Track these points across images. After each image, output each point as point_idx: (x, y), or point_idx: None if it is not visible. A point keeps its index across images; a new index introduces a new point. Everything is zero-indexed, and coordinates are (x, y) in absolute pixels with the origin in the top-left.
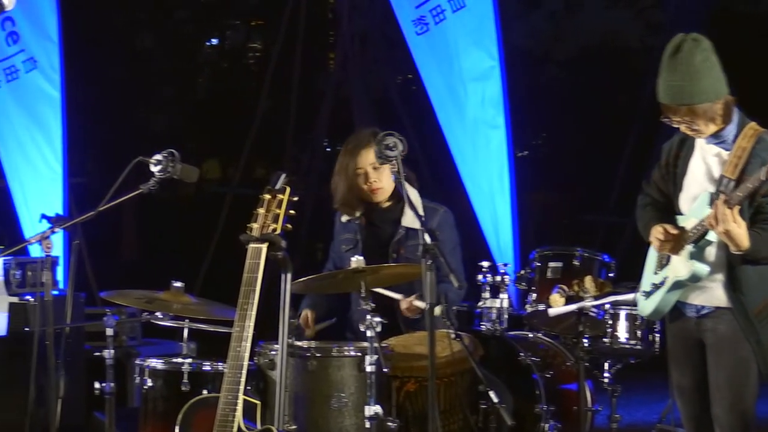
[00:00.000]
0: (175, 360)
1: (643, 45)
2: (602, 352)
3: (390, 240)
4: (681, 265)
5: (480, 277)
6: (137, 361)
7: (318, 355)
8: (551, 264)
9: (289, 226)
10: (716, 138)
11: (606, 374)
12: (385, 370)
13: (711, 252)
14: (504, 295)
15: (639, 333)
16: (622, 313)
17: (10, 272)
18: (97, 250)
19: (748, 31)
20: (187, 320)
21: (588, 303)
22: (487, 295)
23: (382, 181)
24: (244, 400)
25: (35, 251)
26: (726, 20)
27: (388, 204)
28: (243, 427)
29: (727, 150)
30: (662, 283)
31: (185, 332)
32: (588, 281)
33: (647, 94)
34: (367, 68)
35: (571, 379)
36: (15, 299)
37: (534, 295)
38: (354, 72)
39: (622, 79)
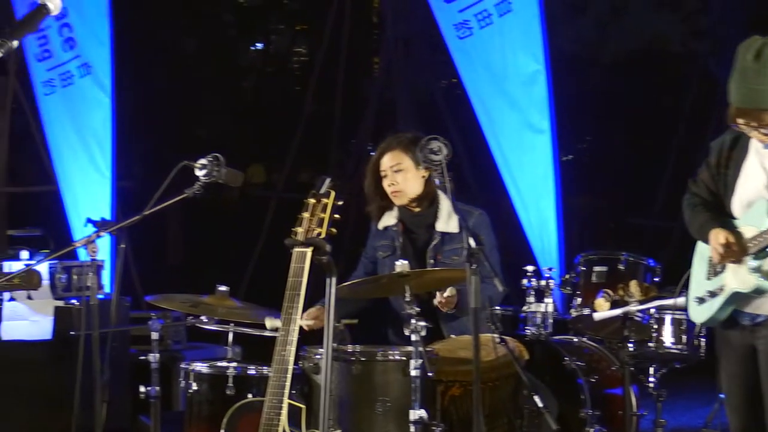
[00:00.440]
0: (220, 364)
1: (687, 49)
2: (647, 357)
3: (427, 245)
4: (741, 277)
5: (525, 281)
6: (182, 365)
7: (363, 359)
8: (596, 268)
9: (333, 230)
10: None
11: (651, 379)
12: (429, 374)
13: None
14: (549, 300)
15: (684, 338)
16: (668, 318)
17: (55, 276)
18: (143, 254)
19: None
20: (231, 324)
21: (633, 307)
22: (531, 299)
23: (401, 185)
24: (289, 404)
25: (82, 255)
26: None
27: (418, 209)
28: None
29: None
30: (718, 292)
31: (230, 336)
32: (633, 285)
33: (691, 97)
34: (412, 72)
35: (616, 383)
36: (61, 303)
37: (579, 300)
38: (398, 76)
39: (666, 83)
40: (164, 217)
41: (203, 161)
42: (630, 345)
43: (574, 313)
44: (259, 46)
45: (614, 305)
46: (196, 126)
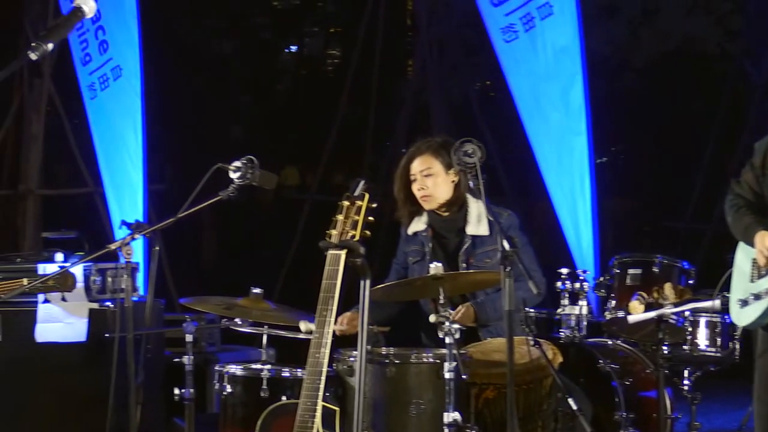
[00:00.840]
0: (254, 366)
1: (721, 51)
2: (682, 360)
3: (458, 249)
4: None
5: (559, 284)
6: (216, 368)
7: (396, 361)
8: (630, 271)
9: (367, 232)
10: None
11: (686, 382)
12: (463, 377)
13: None
14: (583, 302)
15: (719, 340)
16: (702, 321)
17: (90, 278)
18: (177, 256)
19: None
20: (266, 326)
21: (667, 310)
22: (566, 302)
23: (430, 189)
24: (323, 406)
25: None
26: None
27: (447, 214)
28: None
29: None
30: (763, 295)
31: (264, 338)
32: (668, 288)
33: (726, 99)
34: (446, 75)
35: (651, 386)
36: (95, 305)
37: (613, 302)
38: (432, 78)
39: (700, 85)
40: (198, 220)
41: (237, 164)
42: (664, 348)
43: (608, 315)
44: (294, 48)
45: (649, 308)
46: (230, 128)
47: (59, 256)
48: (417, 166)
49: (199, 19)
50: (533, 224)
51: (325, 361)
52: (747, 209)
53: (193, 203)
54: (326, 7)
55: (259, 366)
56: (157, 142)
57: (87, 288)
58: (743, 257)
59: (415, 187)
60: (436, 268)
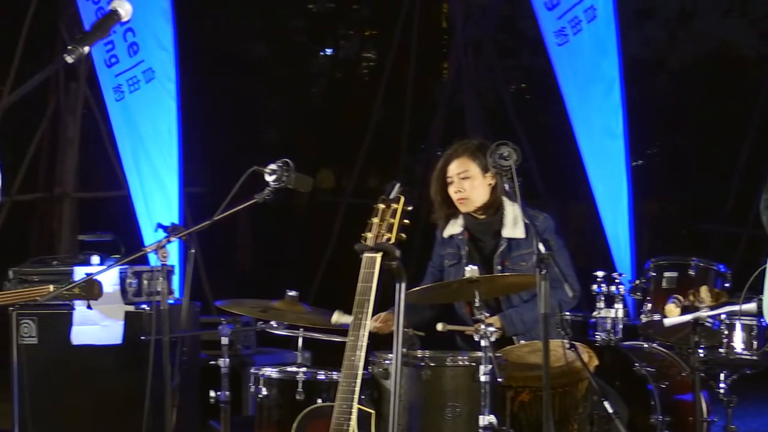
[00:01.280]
0: (289, 369)
1: (757, 54)
2: (718, 363)
3: (493, 252)
4: None
5: (594, 287)
6: (252, 370)
7: (432, 364)
8: (666, 274)
9: (403, 235)
10: None
11: (722, 385)
12: (499, 380)
13: None
14: (619, 305)
15: (755, 343)
16: (738, 324)
17: (126, 281)
18: (213, 259)
19: None
20: (301, 329)
21: (703, 313)
22: (601, 305)
23: (467, 192)
24: (359, 409)
25: (153, 260)
26: None
27: (483, 217)
28: None
29: None
30: None
31: (300, 341)
32: (704, 291)
33: (762, 101)
34: (481, 77)
35: (687, 389)
36: (131, 308)
37: (649, 305)
38: (467, 81)
39: (736, 87)
40: (234, 223)
41: (273, 166)
42: (700, 351)
43: (644, 318)
44: (329, 51)
45: (685, 311)
46: (265, 131)
47: (95, 259)
48: (454, 168)
49: (235, 23)
50: (569, 227)
51: (361, 363)
52: None
53: (228, 206)
54: (361, 10)
55: (294, 369)
56: (192, 144)
57: (123, 291)
58: None
59: (451, 190)
60: (471, 271)
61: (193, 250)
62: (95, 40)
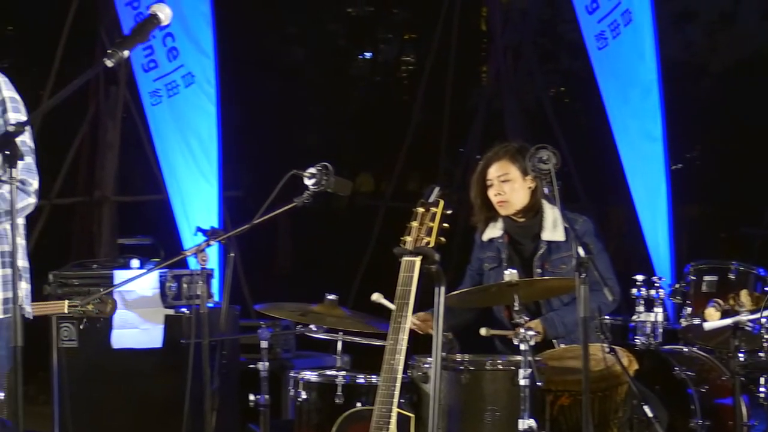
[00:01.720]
0: (329, 372)
1: None
2: (758, 367)
3: (533, 255)
4: None
5: (634, 290)
6: (291, 374)
7: (471, 368)
8: (706, 278)
9: (442, 239)
10: None
11: (762, 389)
12: (538, 383)
13: None
14: (659, 309)
15: None
16: None
17: (166, 285)
18: (252, 262)
19: None
20: (340, 333)
21: (744, 317)
22: (641, 308)
23: (507, 195)
24: (398, 413)
25: (192, 264)
26: None
27: (523, 220)
28: None
29: None
30: None
31: (339, 345)
32: (744, 295)
33: None
34: (520, 81)
35: (727, 393)
36: (171, 311)
37: (689, 309)
38: (506, 85)
39: None
40: (274, 226)
41: (312, 170)
42: (740, 355)
43: (684, 322)
44: (368, 55)
45: (725, 315)
46: (304, 135)
47: (135, 263)
48: (494, 171)
49: (274, 27)
50: (608, 230)
51: (400, 367)
52: None
53: (268, 210)
54: (400, 13)
55: (334, 372)
56: (231, 148)
57: (162, 294)
58: None
59: (491, 193)
60: (510, 274)
61: (232, 254)
62: (135, 44)
